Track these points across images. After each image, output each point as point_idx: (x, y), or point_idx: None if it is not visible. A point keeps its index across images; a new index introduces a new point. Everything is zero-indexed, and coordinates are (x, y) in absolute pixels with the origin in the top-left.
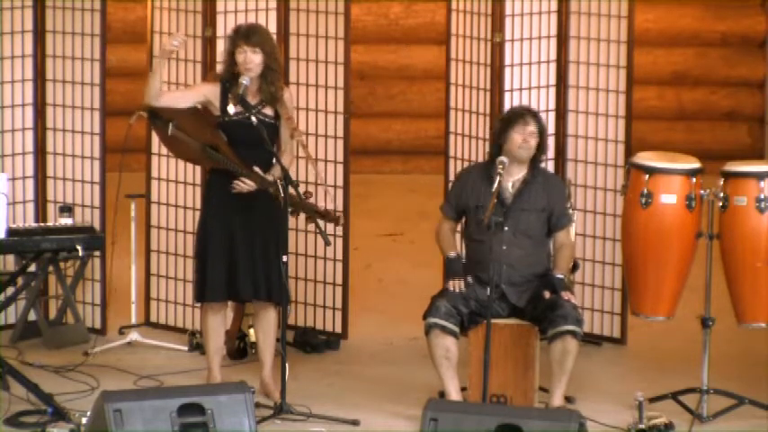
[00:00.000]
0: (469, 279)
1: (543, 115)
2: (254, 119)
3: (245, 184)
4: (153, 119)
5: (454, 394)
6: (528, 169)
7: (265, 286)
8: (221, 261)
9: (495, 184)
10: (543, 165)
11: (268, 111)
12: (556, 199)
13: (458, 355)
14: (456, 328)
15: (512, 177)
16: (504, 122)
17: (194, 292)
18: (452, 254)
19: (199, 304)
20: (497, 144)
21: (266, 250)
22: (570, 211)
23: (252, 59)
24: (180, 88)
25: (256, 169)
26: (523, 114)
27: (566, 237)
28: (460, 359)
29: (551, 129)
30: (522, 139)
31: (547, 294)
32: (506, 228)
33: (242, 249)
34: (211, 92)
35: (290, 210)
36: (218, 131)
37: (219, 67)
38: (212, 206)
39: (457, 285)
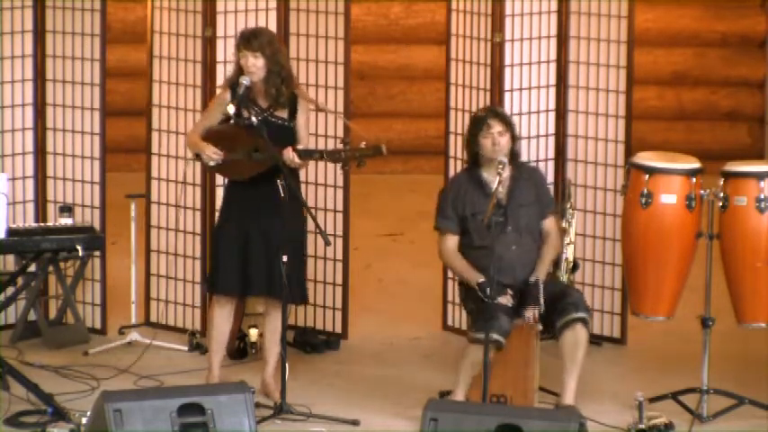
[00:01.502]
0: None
1: (543, 115)
2: (254, 119)
3: (298, 163)
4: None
5: (460, 396)
6: (512, 166)
7: (279, 284)
8: (236, 255)
9: (496, 184)
10: (535, 164)
11: (281, 113)
12: (541, 188)
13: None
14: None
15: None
16: (470, 132)
17: (207, 283)
18: (480, 279)
19: (199, 304)
20: (474, 152)
21: (281, 251)
22: (569, 210)
23: (253, 63)
24: (203, 118)
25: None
26: (484, 118)
27: (550, 224)
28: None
29: (551, 129)
30: (491, 142)
31: (528, 313)
32: (509, 228)
33: (257, 247)
34: (222, 102)
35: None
36: (248, 131)
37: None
38: (230, 210)
39: (507, 300)
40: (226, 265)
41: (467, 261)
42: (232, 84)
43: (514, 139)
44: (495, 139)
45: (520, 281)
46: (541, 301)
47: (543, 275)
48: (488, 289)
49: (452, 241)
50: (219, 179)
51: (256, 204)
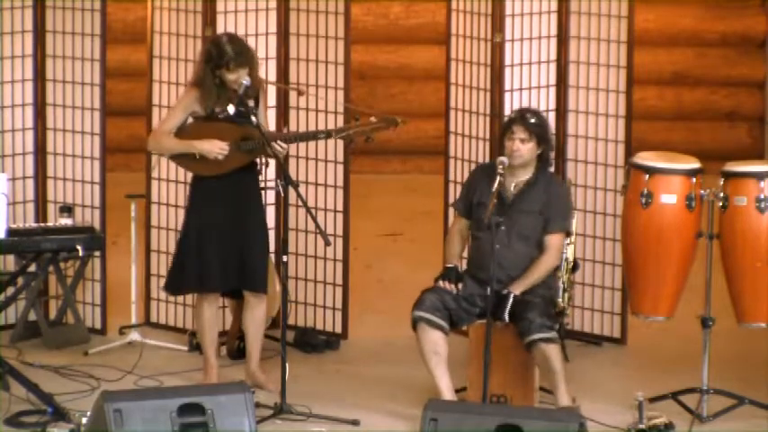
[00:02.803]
0: (461, 285)
1: (543, 115)
2: (253, 118)
3: (282, 148)
4: (175, 158)
5: (446, 392)
6: (533, 171)
7: (238, 275)
8: (199, 252)
9: (495, 184)
10: (552, 168)
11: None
12: (553, 203)
13: (447, 351)
14: (443, 323)
15: (516, 179)
16: (501, 129)
17: (167, 281)
18: (450, 265)
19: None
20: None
21: (248, 240)
22: (571, 217)
23: (242, 75)
24: (168, 118)
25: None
26: (511, 122)
27: (551, 241)
28: (459, 359)
29: (551, 129)
30: (510, 148)
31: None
32: (503, 227)
33: (230, 241)
34: (193, 101)
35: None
36: (233, 121)
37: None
38: (202, 206)
39: (447, 285)
40: (188, 264)
41: (459, 248)
42: (199, 84)
43: (545, 146)
44: (515, 145)
45: (498, 278)
46: (505, 316)
47: (519, 290)
48: (448, 274)
49: (459, 223)
50: None
51: (227, 197)
